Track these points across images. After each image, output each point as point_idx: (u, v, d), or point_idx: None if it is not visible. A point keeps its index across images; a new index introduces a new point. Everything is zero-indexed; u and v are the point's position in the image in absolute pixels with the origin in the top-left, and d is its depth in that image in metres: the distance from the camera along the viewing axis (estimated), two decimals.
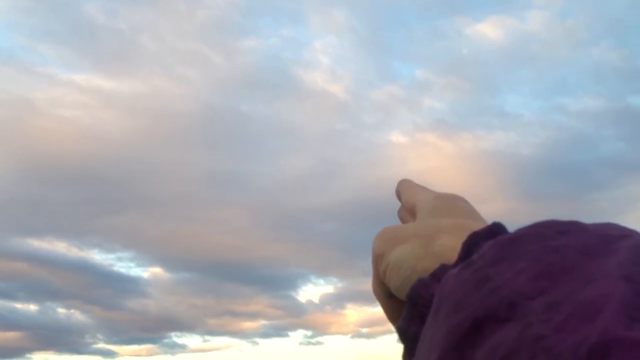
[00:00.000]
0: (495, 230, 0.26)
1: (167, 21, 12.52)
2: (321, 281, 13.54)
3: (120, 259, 13.14)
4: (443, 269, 0.26)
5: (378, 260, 0.32)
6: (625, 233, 0.23)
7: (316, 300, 13.39)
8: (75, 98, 11.77)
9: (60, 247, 12.49)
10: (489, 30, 12.42)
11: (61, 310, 12.70)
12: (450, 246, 0.29)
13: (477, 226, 0.28)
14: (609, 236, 0.23)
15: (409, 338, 0.27)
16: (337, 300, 13.30)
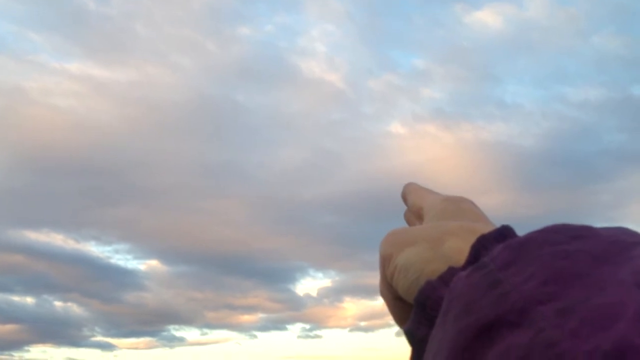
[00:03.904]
0: (505, 233, 0.26)
1: (160, 8, 12.33)
2: (319, 274, 13.46)
3: (117, 252, 13.06)
4: (451, 272, 0.26)
5: (385, 262, 0.32)
6: (638, 240, 0.23)
7: (314, 293, 13.33)
8: (68, 87, 11.61)
9: (57, 240, 12.39)
10: (488, 17, 12.23)
11: (58, 303, 12.62)
12: (458, 249, 0.29)
13: (486, 229, 0.28)
14: (622, 242, 0.23)
15: (417, 341, 0.27)
16: (335, 294, 13.24)
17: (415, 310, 0.27)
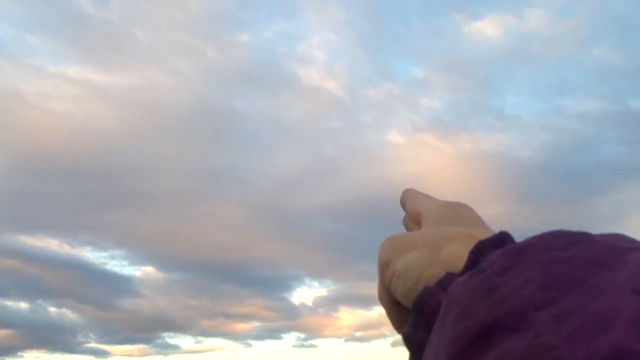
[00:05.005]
0: (503, 239, 0.26)
1: (159, 12, 12.31)
2: (315, 283, 13.38)
3: (113, 257, 12.96)
4: (449, 277, 0.26)
5: (384, 267, 0.32)
6: (634, 246, 0.23)
7: (310, 302, 13.25)
8: (66, 91, 11.56)
9: (52, 245, 12.30)
10: (488, 28, 12.24)
11: (52, 309, 12.52)
12: (457, 254, 0.29)
13: (484, 235, 0.28)
14: (618, 248, 0.23)
15: (415, 345, 0.27)
16: (331, 303, 13.16)
17: (413, 315, 0.27)
